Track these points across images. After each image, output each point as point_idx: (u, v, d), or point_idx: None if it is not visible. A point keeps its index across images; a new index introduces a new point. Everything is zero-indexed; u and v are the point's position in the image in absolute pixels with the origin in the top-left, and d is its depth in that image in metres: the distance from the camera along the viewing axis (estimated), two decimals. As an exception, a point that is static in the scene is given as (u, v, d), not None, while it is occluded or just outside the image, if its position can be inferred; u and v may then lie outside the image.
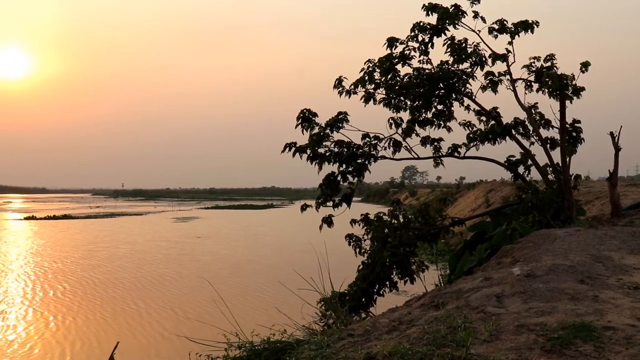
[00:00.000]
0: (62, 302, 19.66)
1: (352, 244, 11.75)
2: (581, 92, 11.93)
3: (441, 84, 12.54)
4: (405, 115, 12.74)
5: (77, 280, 24.11)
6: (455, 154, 12.89)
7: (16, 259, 31.43)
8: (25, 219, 69.92)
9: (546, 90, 12.17)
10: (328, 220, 11.70)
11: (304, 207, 12.08)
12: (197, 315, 16.48)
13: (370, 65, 12.47)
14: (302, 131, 11.75)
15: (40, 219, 69.37)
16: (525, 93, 12.83)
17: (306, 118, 11.79)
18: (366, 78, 12.48)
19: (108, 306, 18.98)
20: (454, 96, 12.85)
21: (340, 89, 12.41)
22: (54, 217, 71.56)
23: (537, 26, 12.59)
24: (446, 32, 12.51)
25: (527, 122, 12.79)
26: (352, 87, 12.47)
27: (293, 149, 11.62)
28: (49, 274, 26.10)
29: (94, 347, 14.28)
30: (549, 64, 12.53)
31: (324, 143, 11.73)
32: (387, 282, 11.36)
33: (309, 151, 11.61)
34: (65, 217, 73.22)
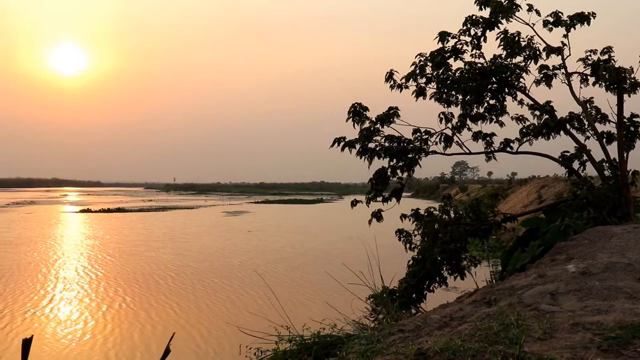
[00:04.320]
0: (178, 292, 20.14)
1: (402, 239, 11.70)
2: (639, 87, 11.62)
3: (494, 78, 12.36)
4: (456, 110, 12.60)
5: (180, 269, 24.85)
6: (508, 149, 12.67)
7: (108, 249, 32.23)
8: (81, 211, 71.73)
9: (603, 84, 11.89)
10: (378, 215, 11.66)
11: (354, 203, 12.01)
12: (254, 308, 16.69)
13: (422, 59, 12.35)
14: (354, 125, 11.71)
15: (95, 211, 71.05)
16: (581, 87, 12.54)
17: (357, 112, 11.75)
18: (417, 72, 12.37)
19: (231, 293, 19.60)
20: (506, 90, 12.64)
21: (392, 82, 12.32)
22: (108, 210, 73.21)
23: (594, 18, 12.28)
24: (499, 25, 12.31)
25: (582, 117, 12.51)
26: (403, 80, 12.38)
27: (342, 143, 11.59)
28: (151, 264, 26.68)
29: (225, 334, 14.59)
30: (606, 56, 12.20)
31: (374, 138, 11.67)
32: (437, 278, 11.28)
33: (358, 145, 11.57)
34: (119, 210, 74.85)
